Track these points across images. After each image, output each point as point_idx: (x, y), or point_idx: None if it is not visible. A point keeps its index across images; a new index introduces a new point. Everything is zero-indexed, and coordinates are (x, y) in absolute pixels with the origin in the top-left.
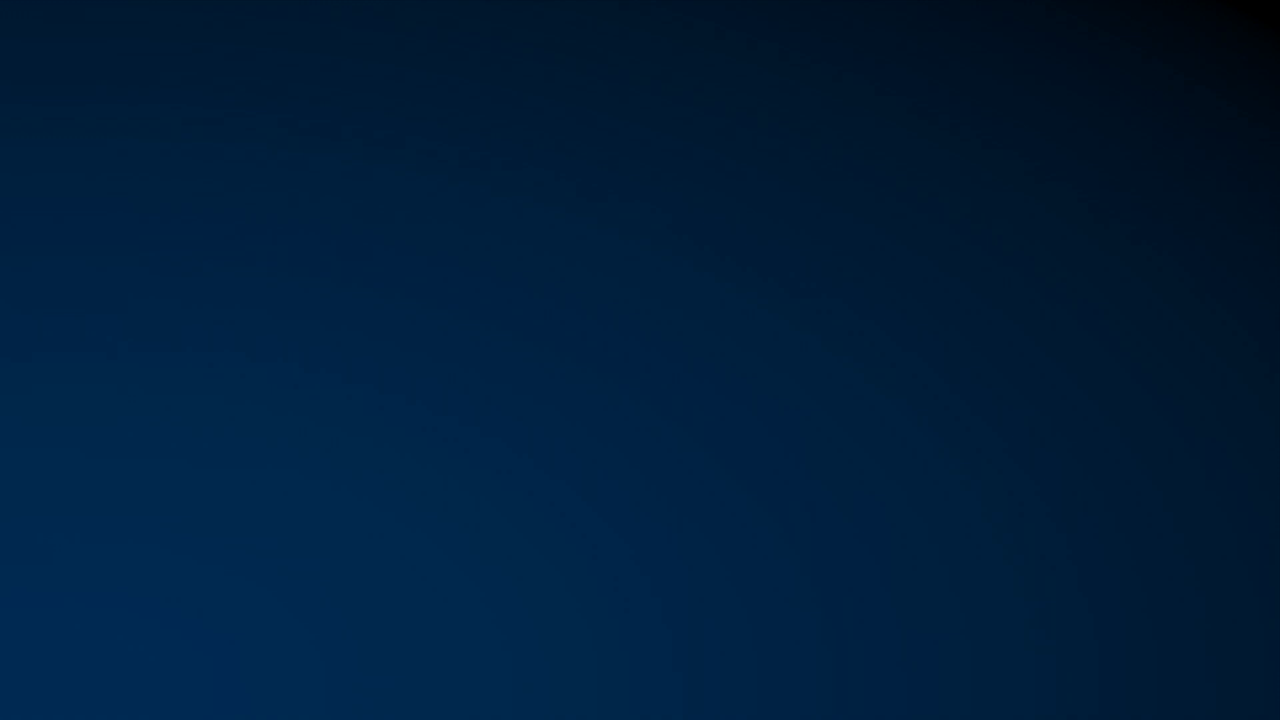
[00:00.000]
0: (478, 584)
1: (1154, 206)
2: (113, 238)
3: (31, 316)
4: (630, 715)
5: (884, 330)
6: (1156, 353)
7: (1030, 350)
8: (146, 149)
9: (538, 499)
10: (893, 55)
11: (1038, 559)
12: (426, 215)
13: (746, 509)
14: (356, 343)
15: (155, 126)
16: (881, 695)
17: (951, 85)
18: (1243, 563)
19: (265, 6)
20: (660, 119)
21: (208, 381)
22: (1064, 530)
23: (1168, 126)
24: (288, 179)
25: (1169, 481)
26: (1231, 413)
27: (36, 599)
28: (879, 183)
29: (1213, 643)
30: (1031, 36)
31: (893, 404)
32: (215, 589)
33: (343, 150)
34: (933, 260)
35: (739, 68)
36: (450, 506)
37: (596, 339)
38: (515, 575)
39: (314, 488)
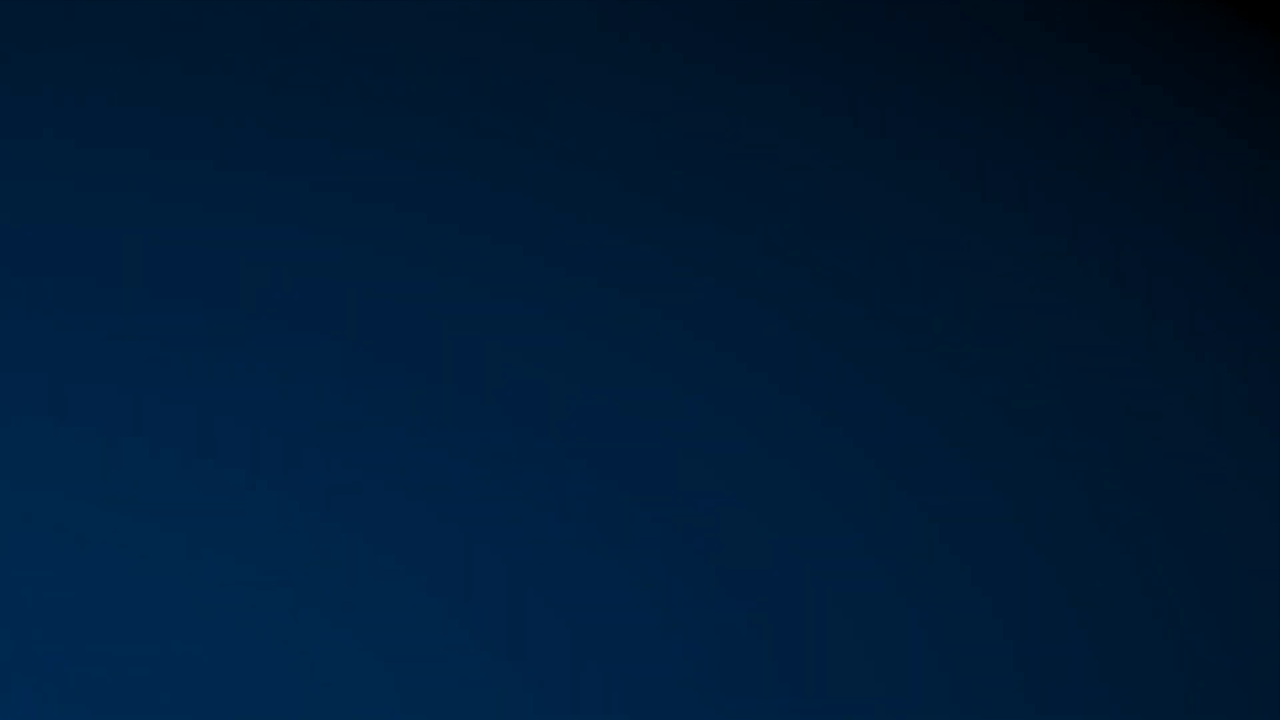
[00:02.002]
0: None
1: (1149, 212)
2: (112, 236)
3: (32, 318)
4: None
5: (893, 335)
6: (1143, 364)
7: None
8: (143, 151)
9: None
10: (889, 58)
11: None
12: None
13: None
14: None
15: (151, 128)
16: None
17: (945, 91)
18: (1242, 567)
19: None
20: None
21: (193, 383)
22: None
23: (1168, 133)
24: (281, 180)
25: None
26: (1230, 415)
27: (34, 598)
28: (878, 193)
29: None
30: (1027, 42)
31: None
32: (205, 590)
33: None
34: (927, 269)
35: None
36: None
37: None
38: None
39: (305, 488)
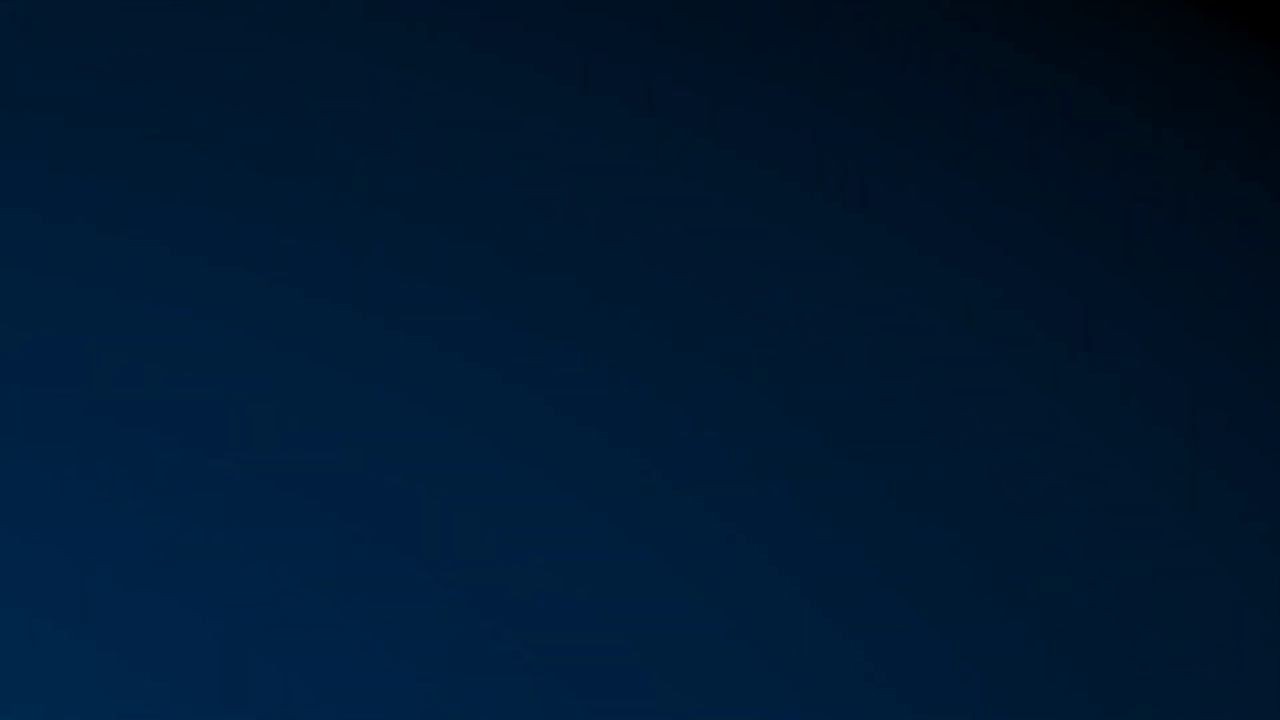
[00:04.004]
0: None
1: (1146, 215)
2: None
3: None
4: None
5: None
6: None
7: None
8: (149, 149)
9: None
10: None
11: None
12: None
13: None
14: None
15: (157, 125)
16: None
17: (948, 96)
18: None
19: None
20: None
21: (209, 378)
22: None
23: (1167, 140)
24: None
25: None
26: (1229, 416)
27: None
28: (896, 188)
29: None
30: (1028, 49)
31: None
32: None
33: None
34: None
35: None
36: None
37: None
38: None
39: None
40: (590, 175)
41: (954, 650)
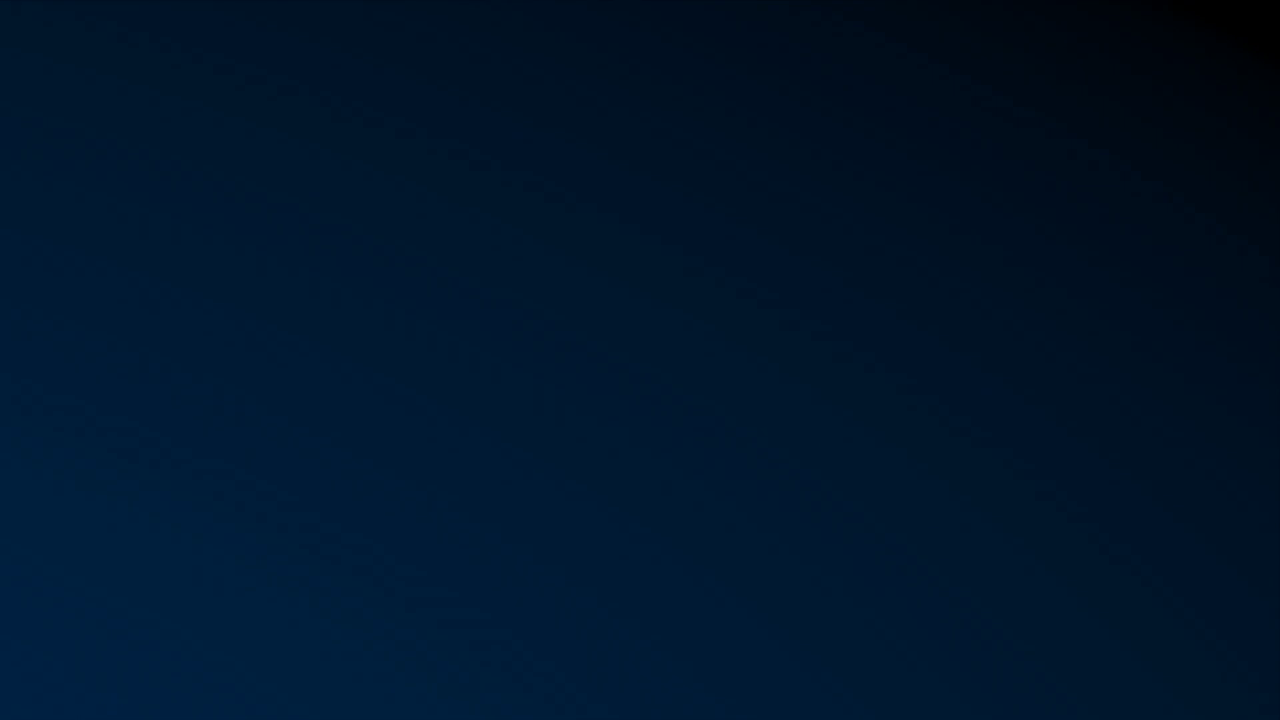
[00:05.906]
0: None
1: (1144, 221)
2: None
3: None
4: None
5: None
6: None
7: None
8: (150, 147)
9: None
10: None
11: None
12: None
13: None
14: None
15: (158, 124)
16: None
17: (950, 109)
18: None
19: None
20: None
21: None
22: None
23: (1161, 149)
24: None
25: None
26: (1227, 423)
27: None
28: (897, 197)
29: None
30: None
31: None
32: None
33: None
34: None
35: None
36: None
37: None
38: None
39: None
40: (588, 181)
41: (956, 652)
